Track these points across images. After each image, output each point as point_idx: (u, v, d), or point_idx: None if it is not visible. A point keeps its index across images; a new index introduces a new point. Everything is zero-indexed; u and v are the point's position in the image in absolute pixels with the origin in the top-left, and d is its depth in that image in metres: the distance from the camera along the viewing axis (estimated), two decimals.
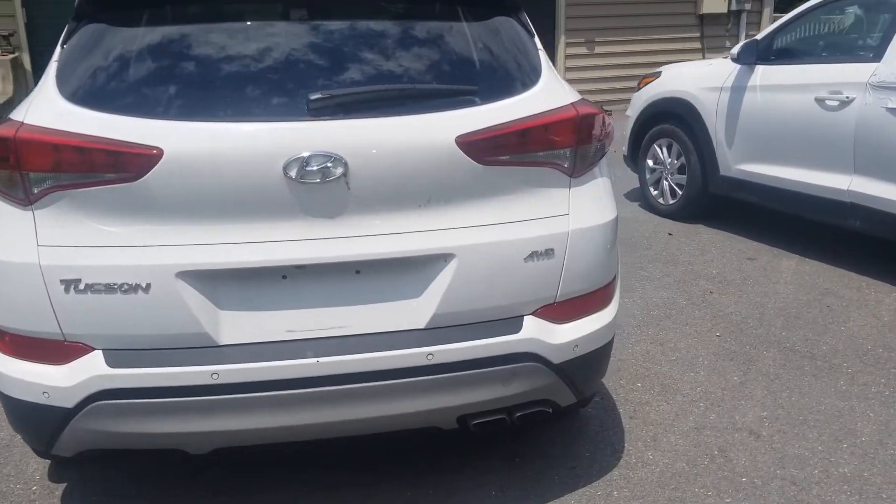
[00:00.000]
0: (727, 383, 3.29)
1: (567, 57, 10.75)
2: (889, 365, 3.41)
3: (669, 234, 5.52)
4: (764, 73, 5.07)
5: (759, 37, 5.28)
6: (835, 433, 2.89)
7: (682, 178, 5.77)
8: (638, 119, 6.16)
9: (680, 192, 5.81)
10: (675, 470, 2.68)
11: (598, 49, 10.84)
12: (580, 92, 2.42)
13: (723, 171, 5.38)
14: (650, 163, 6.12)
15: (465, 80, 2.19)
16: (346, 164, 1.98)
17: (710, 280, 4.57)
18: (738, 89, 5.20)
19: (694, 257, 4.99)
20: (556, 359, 2.24)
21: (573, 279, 2.25)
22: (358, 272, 2.09)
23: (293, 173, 1.95)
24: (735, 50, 5.30)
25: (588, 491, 2.58)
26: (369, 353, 2.06)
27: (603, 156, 2.37)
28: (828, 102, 4.54)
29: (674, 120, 5.77)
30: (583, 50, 10.82)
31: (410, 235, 2.08)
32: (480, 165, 2.10)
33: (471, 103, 2.13)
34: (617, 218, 2.39)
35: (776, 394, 3.19)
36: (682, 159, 5.74)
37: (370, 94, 2.08)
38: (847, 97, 4.42)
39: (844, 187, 4.47)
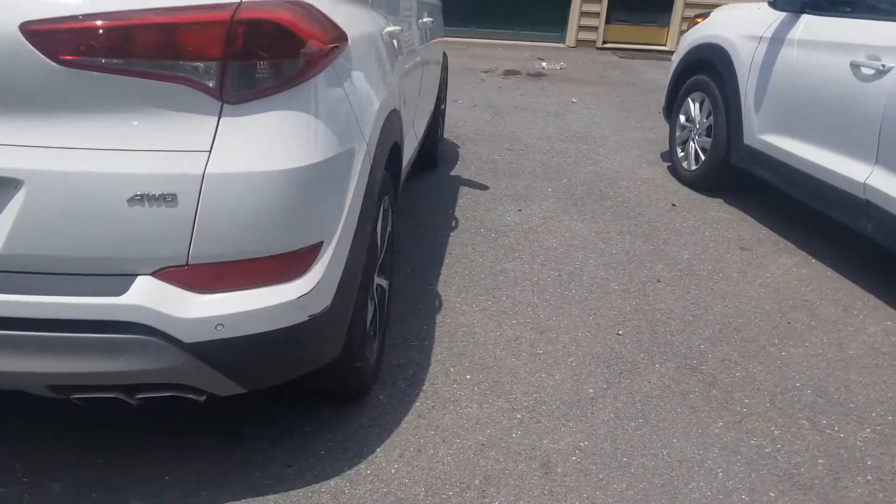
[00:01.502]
0: (576, 396, 2.64)
1: None
2: (803, 414, 2.63)
3: (673, 206, 4.70)
4: (807, 25, 4.07)
5: None
6: (648, 490, 2.21)
7: (709, 142, 4.87)
8: (678, 67, 5.26)
9: (703, 158, 4.92)
10: (403, 495, 2.13)
11: None
12: None
13: (746, 140, 4.46)
14: (682, 119, 5.23)
15: None
16: None
17: (672, 266, 3.79)
18: (776, 41, 4.23)
19: (676, 237, 4.19)
20: (186, 337, 1.74)
21: (216, 238, 1.71)
22: None
23: None
24: None
25: (276, 499, 2.08)
26: None
27: (305, 81, 1.78)
28: (863, 70, 3.56)
29: (709, 71, 4.85)
30: None
31: None
32: (59, 66, 1.58)
33: None
34: (317, 166, 1.81)
35: (623, 421, 2.52)
36: (711, 119, 4.83)
37: None
38: (884, 65, 3.43)
39: (861, 179, 3.53)
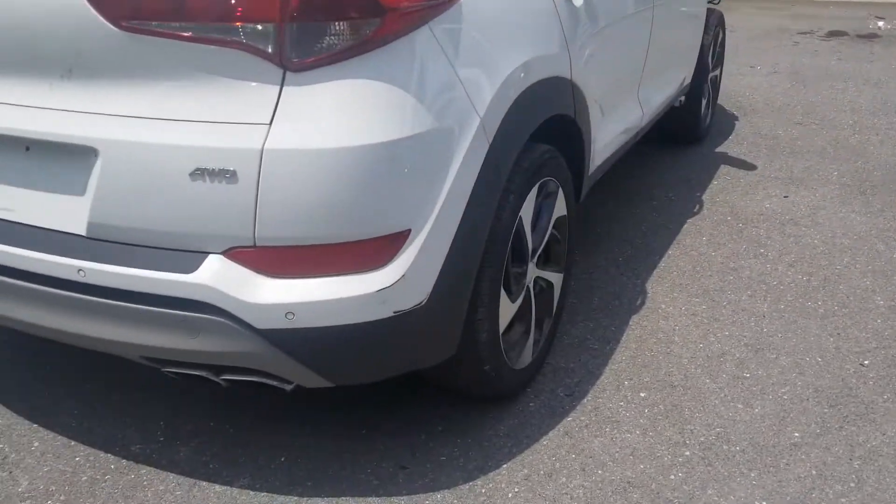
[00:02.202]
0: (773, 438, 2.13)
1: None
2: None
3: None
4: None
5: None
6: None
7: None
8: None
9: None
10: None
11: None
12: None
13: None
14: None
15: None
16: None
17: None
18: None
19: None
20: (258, 322, 1.63)
21: (281, 220, 1.56)
22: (27, 149, 1.72)
23: None
24: None
25: (375, 502, 1.92)
26: (25, 248, 1.72)
27: (386, 44, 1.54)
28: None
29: None
30: None
31: (58, 115, 1.62)
32: (119, 31, 1.51)
33: None
34: (396, 144, 1.58)
35: (826, 482, 1.96)
36: None
37: None
38: None
39: None
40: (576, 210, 2.47)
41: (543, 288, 2.34)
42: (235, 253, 1.60)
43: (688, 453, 2.06)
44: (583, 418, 2.20)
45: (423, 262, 1.67)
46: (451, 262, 1.74)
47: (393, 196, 1.60)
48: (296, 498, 1.94)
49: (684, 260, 3.14)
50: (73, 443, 2.15)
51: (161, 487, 1.98)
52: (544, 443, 2.11)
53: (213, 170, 1.52)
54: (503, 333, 2.08)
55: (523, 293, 2.16)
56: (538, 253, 2.23)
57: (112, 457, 2.09)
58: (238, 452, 2.10)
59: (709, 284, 2.94)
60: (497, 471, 2.01)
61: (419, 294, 1.70)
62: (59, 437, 2.17)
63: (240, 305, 1.60)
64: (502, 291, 2.01)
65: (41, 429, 2.20)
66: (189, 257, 1.62)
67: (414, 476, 2.00)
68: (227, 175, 1.52)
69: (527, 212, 2.07)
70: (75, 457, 2.09)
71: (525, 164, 1.99)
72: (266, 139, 1.50)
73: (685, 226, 3.46)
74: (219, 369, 1.75)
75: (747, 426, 2.16)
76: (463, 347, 1.93)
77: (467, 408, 2.23)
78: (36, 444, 2.14)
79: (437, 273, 1.72)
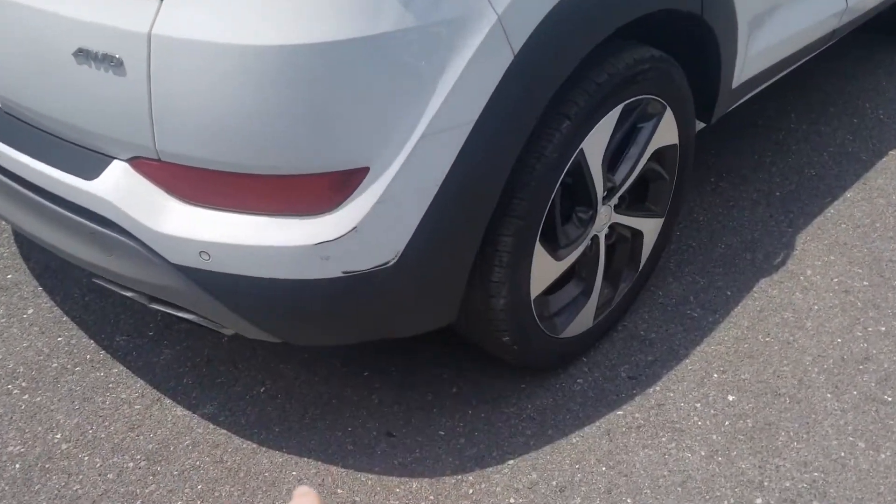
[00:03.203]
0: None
1: None
2: None
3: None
4: None
5: None
6: None
7: None
8: None
9: None
10: None
11: None
12: None
13: None
14: None
15: None
16: None
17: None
18: None
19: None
20: (170, 255, 1.27)
21: (184, 131, 1.15)
22: None
23: None
24: None
25: (339, 473, 1.58)
26: None
27: None
28: None
29: None
30: None
31: None
32: None
33: None
34: (355, 44, 1.07)
35: None
36: None
37: None
38: None
39: None
40: (694, 137, 1.82)
41: (625, 238, 1.78)
42: (140, 164, 1.22)
43: (759, 502, 1.52)
44: (637, 416, 1.69)
45: (387, 211, 1.20)
46: (438, 213, 1.25)
47: (340, 120, 1.12)
48: (253, 446, 1.64)
49: (863, 209, 2.37)
50: (64, 318, 1.95)
51: (123, 395, 1.75)
52: (574, 440, 1.64)
53: (96, 53, 1.11)
54: (542, 294, 1.58)
55: (583, 246, 1.63)
56: (619, 193, 1.66)
57: (93, 345, 1.88)
58: (219, 371, 1.81)
59: (883, 251, 2.20)
60: (499, 466, 1.59)
61: (383, 252, 1.25)
62: (55, 308, 1.98)
63: (146, 231, 1.24)
64: (539, 246, 1.49)
65: (42, 294, 2.02)
66: (95, 160, 1.26)
67: (396, 450, 1.63)
68: (113, 63, 1.10)
69: (596, 142, 1.49)
70: (58, 336, 1.90)
71: (598, 79, 1.40)
72: (154, 22, 1.05)
73: (885, 160, 2.62)
74: (149, 297, 1.42)
75: (860, 479, 1.56)
76: (470, 314, 1.47)
77: (500, 370, 1.78)
78: (30, 311, 1.97)
79: (413, 227, 1.24)
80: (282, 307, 1.29)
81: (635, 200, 1.76)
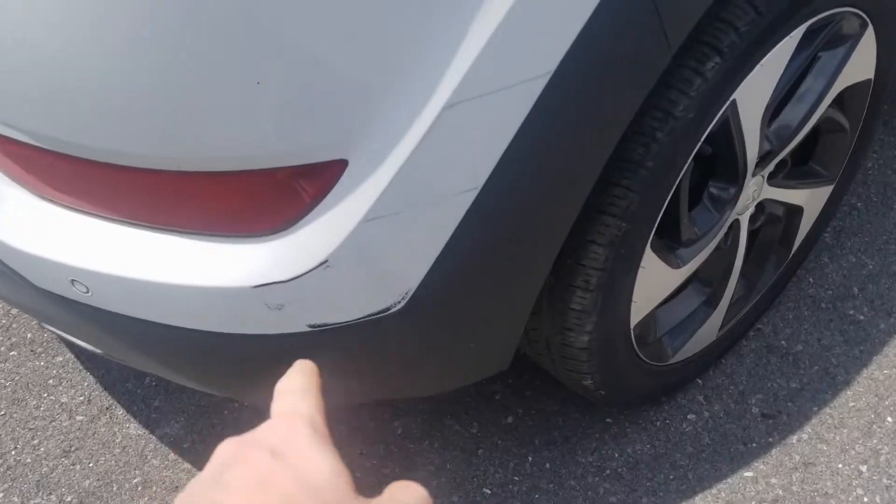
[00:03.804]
0: None
1: None
2: None
3: None
4: None
5: None
6: None
7: None
8: None
9: None
10: None
11: None
12: None
13: None
14: None
15: None
16: None
17: None
18: None
19: None
20: (31, 276, 0.77)
21: (17, 92, 0.61)
22: None
23: None
24: None
25: None
26: None
27: None
28: None
29: None
30: None
31: None
32: None
33: None
34: None
35: None
36: None
37: None
38: None
39: None
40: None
41: (777, 218, 1.19)
42: None
43: None
44: (773, 481, 1.16)
45: (384, 229, 0.65)
46: (479, 223, 0.69)
47: (288, 83, 0.56)
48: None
49: None
50: None
51: (64, 399, 1.32)
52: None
53: None
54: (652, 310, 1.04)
55: (717, 239, 1.06)
56: (780, 158, 1.07)
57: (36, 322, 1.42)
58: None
59: None
60: None
61: (381, 294, 0.71)
62: None
63: None
64: (650, 252, 0.93)
65: None
66: None
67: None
68: None
69: (759, 87, 0.90)
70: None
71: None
72: None
73: None
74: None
75: None
76: (534, 350, 0.94)
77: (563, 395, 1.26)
78: None
79: (433, 251, 0.69)
80: (216, 363, 0.78)
81: (797, 164, 1.16)
